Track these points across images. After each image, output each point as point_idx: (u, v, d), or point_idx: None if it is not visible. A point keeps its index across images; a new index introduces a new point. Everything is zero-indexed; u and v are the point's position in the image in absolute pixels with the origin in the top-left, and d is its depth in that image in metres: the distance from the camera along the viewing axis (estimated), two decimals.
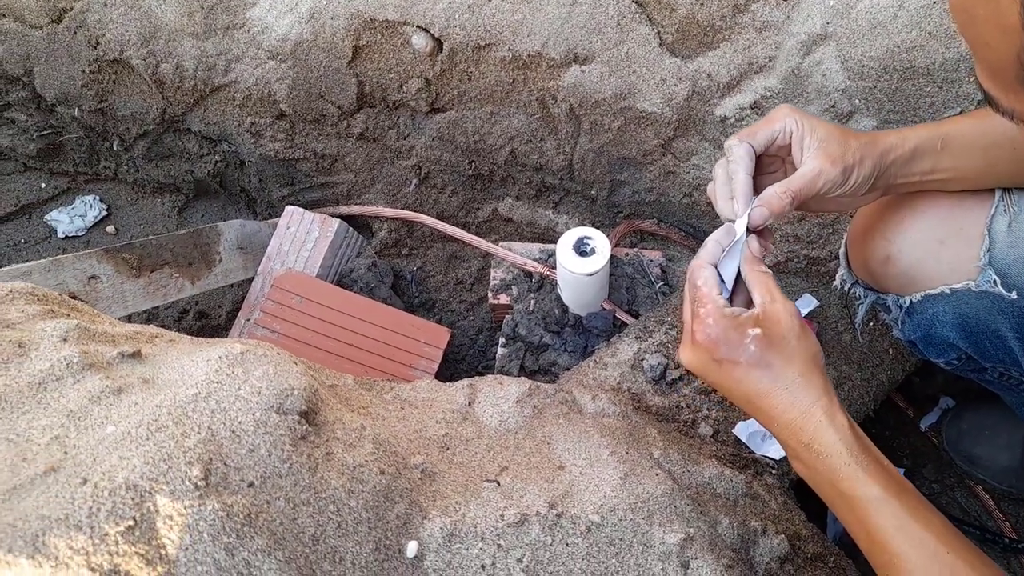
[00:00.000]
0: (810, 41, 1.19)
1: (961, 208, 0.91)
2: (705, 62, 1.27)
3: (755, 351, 0.76)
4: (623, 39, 1.28)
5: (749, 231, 0.83)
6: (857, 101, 1.20)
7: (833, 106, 1.21)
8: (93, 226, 1.86)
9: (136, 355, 0.81)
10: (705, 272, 0.82)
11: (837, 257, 1.19)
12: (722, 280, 0.83)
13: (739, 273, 0.83)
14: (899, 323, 1.03)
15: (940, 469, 1.50)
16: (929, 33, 1.10)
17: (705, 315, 0.79)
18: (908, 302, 0.98)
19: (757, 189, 0.83)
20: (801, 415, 0.75)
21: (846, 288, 1.10)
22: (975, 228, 0.90)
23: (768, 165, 0.89)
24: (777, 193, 0.81)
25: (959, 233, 0.91)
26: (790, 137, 0.83)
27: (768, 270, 0.81)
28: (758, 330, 0.76)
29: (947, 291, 0.93)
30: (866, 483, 0.72)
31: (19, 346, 0.76)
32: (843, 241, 1.08)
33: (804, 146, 0.83)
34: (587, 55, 1.31)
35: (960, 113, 1.16)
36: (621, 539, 0.85)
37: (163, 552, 0.63)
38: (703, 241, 0.85)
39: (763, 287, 0.80)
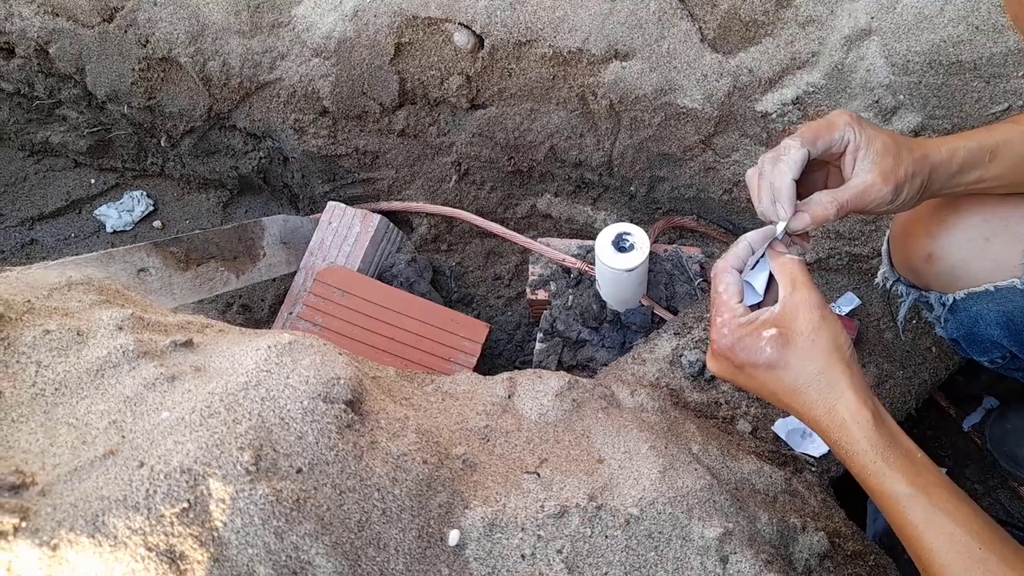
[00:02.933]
0: (854, 36, 1.18)
1: (1006, 206, 0.90)
2: (747, 57, 1.27)
3: (771, 352, 0.76)
4: (664, 35, 1.28)
5: (787, 235, 0.82)
6: (901, 97, 1.19)
7: (877, 102, 1.20)
8: (140, 221, 1.90)
9: (188, 344, 0.83)
10: (728, 278, 0.82)
11: (879, 254, 1.18)
12: (750, 285, 0.83)
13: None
14: (942, 321, 1.02)
15: (983, 470, 1.48)
16: (976, 27, 1.09)
17: (721, 324, 0.80)
18: (951, 300, 0.97)
19: (799, 189, 0.82)
20: (826, 413, 0.74)
21: (888, 285, 1.09)
22: (1020, 226, 0.89)
23: (813, 168, 0.86)
24: (824, 202, 0.80)
25: (1004, 230, 0.90)
26: (845, 146, 0.81)
27: (795, 256, 0.80)
28: (773, 331, 0.76)
29: (991, 289, 0.92)
30: (893, 479, 0.71)
31: (78, 334, 0.79)
32: (885, 238, 1.07)
33: (858, 157, 0.81)
34: (628, 51, 1.31)
35: (1007, 110, 1.14)
36: (660, 532, 0.85)
37: (216, 534, 0.65)
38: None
39: (787, 276, 0.79)
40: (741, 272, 0.83)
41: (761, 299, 0.83)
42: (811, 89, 1.25)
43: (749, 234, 0.83)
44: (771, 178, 0.81)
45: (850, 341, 0.77)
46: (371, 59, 1.45)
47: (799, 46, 1.23)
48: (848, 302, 1.34)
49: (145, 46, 1.54)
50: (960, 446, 1.51)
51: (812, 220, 0.80)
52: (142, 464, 0.66)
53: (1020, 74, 1.11)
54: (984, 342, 0.98)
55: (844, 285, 1.36)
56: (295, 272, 1.64)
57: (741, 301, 0.81)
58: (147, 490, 0.64)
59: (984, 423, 1.48)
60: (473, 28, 1.36)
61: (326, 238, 1.63)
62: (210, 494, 0.66)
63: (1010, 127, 0.85)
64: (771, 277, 0.83)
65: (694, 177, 1.48)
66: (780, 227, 0.81)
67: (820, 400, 0.74)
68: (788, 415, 1.19)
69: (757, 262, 0.83)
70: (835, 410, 0.74)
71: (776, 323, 0.76)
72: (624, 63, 1.33)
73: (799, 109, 1.27)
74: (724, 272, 0.82)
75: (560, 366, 1.44)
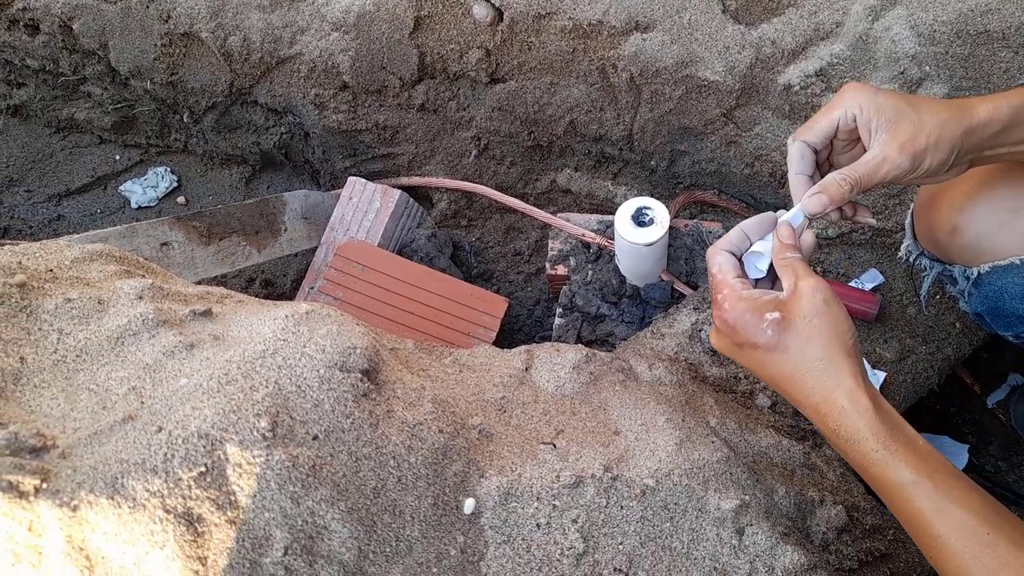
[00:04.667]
0: (879, 5, 1.16)
1: None
2: (769, 29, 1.25)
3: (772, 335, 0.74)
4: (685, 6, 1.26)
5: (811, 220, 0.80)
6: (928, 67, 1.16)
7: (902, 72, 1.18)
8: (165, 197, 1.92)
9: (207, 313, 0.84)
10: (719, 258, 0.81)
11: (903, 228, 1.17)
12: (752, 263, 0.82)
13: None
14: (966, 295, 1.00)
15: (1007, 447, 1.46)
16: None
17: (722, 300, 0.79)
18: (975, 273, 0.96)
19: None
20: (824, 400, 0.73)
21: (911, 259, 1.07)
22: None
23: (843, 148, 0.84)
24: (836, 180, 0.77)
25: None
26: (853, 121, 0.78)
27: (797, 255, 0.78)
28: (776, 314, 0.75)
29: (1017, 262, 0.90)
30: (896, 468, 0.70)
31: (99, 303, 0.80)
32: (909, 211, 1.06)
33: (872, 128, 0.77)
34: (648, 23, 1.29)
35: None
36: (676, 504, 0.85)
37: (233, 498, 0.66)
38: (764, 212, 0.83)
39: (790, 271, 0.77)
40: (737, 256, 0.83)
41: (763, 275, 0.82)
42: (835, 60, 1.23)
43: (745, 221, 0.83)
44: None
45: (854, 330, 0.75)
46: (390, 33, 1.44)
47: (823, 16, 1.21)
48: (872, 279, 1.32)
49: (167, 21, 1.55)
50: (984, 423, 1.49)
51: (829, 199, 0.78)
52: (160, 429, 0.67)
53: None
54: (1009, 316, 0.97)
55: (867, 260, 1.34)
56: (316, 247, 1.65)
57: (739, 276, 0.80)
58: (165, 454, 0.65)
59: (1009, 400, 1.46)
60: (492, 0, 1.35)
61: (347, 213, 1.64)
62: (227, 459, 0.67)
63: None
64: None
65: (715, 151, 1.46)
66: (790, 213, 0.80)
67: (818, 386, 0.73)
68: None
69: (760, 245, 0.82)
70: (833, 397, 0.72)
71: (779, 307, 0.75)
72: (645, 35, 1.31)
73: (823, 81, 1.25)
74: (715, 254, 0.82)
75: (579, 341, 1.44)
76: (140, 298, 0.82)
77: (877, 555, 0.97)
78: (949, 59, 1.14)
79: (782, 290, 0.78)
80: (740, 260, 0.83)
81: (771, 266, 0.81)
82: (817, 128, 0.80)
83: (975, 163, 0.81)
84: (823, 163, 0.84)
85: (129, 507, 0.61)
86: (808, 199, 0.78)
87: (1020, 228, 0.90)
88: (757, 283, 0.83)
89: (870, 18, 1.17)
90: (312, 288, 1.55)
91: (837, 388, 0.72)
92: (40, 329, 0.76)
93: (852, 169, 0.77)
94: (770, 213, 0.82)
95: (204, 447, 0.66)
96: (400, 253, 1.64)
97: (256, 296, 1.68)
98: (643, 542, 0.83)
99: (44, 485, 0.59)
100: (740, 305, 0.77)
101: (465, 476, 0.82)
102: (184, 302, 0.87)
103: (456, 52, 1.46)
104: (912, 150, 0.75)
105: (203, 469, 0.65)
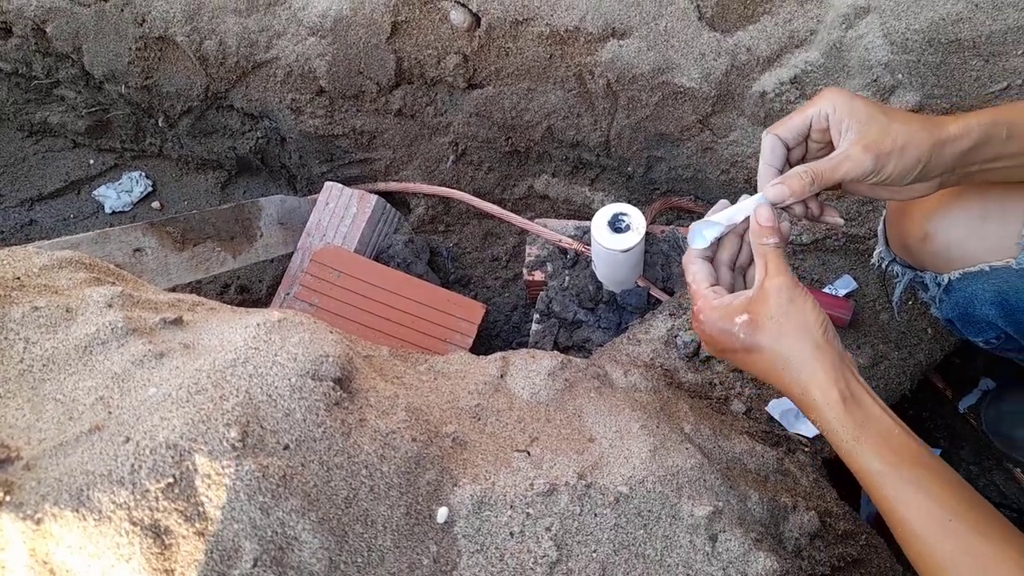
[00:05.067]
0: (853, 14, 1.17)
1: (1002, 185, 0.89)
2: (745, 36, 1.26)
3: (744, 337, 0.77)
4: (662, 12, 1.27)
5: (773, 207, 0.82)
6: (900, 75, 1.18)
7: (875, 80, 1.19)
8: (139, 202, 1.90)
9: (178, 321, 0.84)
10: (692, 267, 0.84)
11: (875, 235, 1.17)
12: (701, 235, 0.85)
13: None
14: (937, 301, 1.01)
15: (978, 451, 1.48)
16: (976, 5, 1.07)
17: (698, 311, 0.82)
18: (947, 280, 0.97)
19: None
20: (801, 394, 0.76)
21: (884, 265, 1.08)
22: (1017, 205, 0.88)
23: (818, 151, 0.86)
24: (798, 172, 0.80)
25: (1000, 210, 0.89)
26: (826, 120, 0.80)
27: (774, 241, 0.80)
28: (745, 316, 0.77)
29: (987, 268, 0.91)
30: (866, 457, 0.73)
31: (67, 311, 0.79)
32: (881, 218, 1.07)
33: (843, 129, 0.80)
34: (625, 29, 1.30)
35: (1006, 89, 1.13)
36: (649, 511, 0.85)
37: (201, 509, 0.65)
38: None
39: (762, 261, 0.80)
40: (710, 259, 0.86)
41: (706, 244, 0.84)
42: (809, 68, 1.24)
43: (708, 213, 0.87)
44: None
45: (824, 320, 0.77)
46: (367, 38, 1.44)
47: (797, 24, 1.22)
48: (845, 285, 1.33)
49: (142, 25, 1.53)
50: (956, 428, 1.51)
51: (790, 191, 0.80)
52: (128, 439, 0.66)
53: (1019, 52, 1.10)
54: (979, 322, 0.98)
55: (841, 266, 1.35)
56: (292, 253, 1.64)
57: (712, 285, 0.82)
58: (132, 465, 0.64)
59: (980, 405, 1.47)
60: (469, 6, 1.35)
61: (323, 219, 1.63)
62: (196, 469, 0.66)
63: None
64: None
65: (691, 157, 1.47)
66: (752, 200, 0.83)
67: (794, 382, 0.76)
68: (782, 395, 1.19)
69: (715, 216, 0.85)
70: (808, 391, 0.75)
71: (748, 308, 0.78)
72: (621, 41, 1.32)
73: (797, 88, 1.26)
74: (689, 263, 0.85)
75: (556, 347, 1.44)
76: (109, 306, 0.81)
77: (849, 560, 0.98)
78: (921, 67, 1.15)
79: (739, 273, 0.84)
80: (712, 260, 0.86)
81: (719, 239, 0.85)
82: (791, 124, 0.83)
83: (945, 184, 0.82)
84: (797, 163, 0.86)
85: (95, 519, 0.60)
86: (770, 187, 0.81)
87: (990, 235, 0.91)
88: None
89: (844, 26, 1.18)
90: (288, 294, 1.54)
91: (810, 382, 0.75)
92: (6, 338, 0.75)
93: (815, 163, 0.80)
94: (723, 200, 0.86)
95: (172, 458, 0.66)
96: (377, 259, 1.63)
97: (231, 302, 1.67)
98: (617, 550, 0.83)
99: (7, 498, 0.58)
100: (713, 315, 0.80)
101: (438, 485, 0.82)
102: (155, 310, 0.86)
103: (433, 57, 1.45)
104: (876, 151, 0.77)
105: (171, 480, 0.65)
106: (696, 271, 0.84)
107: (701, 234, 0.84)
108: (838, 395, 0.74)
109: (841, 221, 0.87)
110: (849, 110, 0.79)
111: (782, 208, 0.82)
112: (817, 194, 0.82)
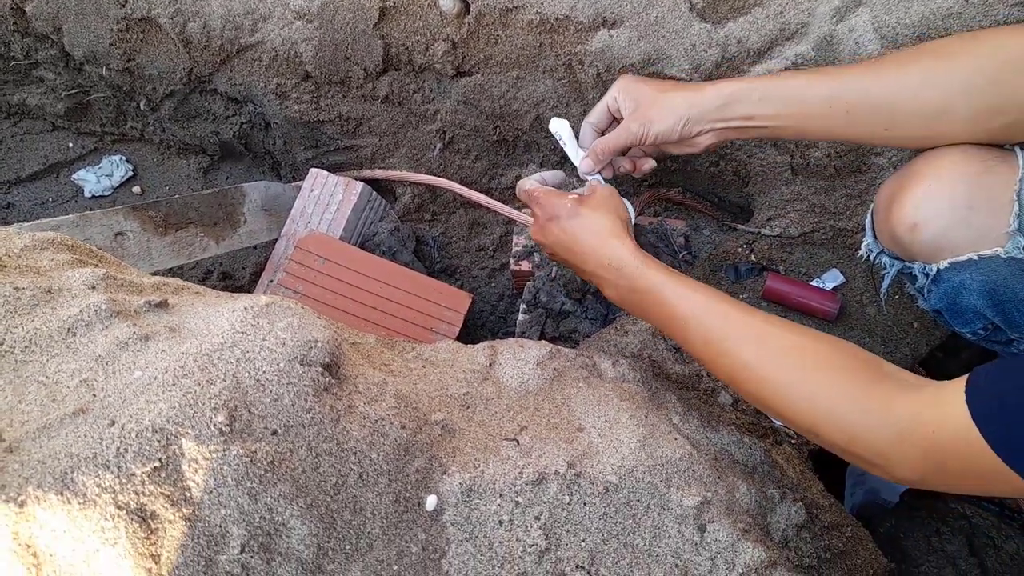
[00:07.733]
0: (844, 7, 1.17)
1: (990, 174, 0.90)
2: (736, 28, 1.26)
3: (571, 206, 1.02)
4: (652, 3, 1.26)
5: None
6: None
7: None
8: (120, 186, 1.87)
9: (163, 304, 0.82)
10: (528, 183, 1.12)
11: (863, 228, 1.18)
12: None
13: None
14: (925, 292, 1.02)
15: None
16: (966, 0, 1.08)
17: (538, 196, 1.07)
18: (935, 270, 0.97)
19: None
20: (601, 243, 0.98)
21: (871, 258, 1.09)
22: (1004, 194, 0.89)
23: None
24: (593, 148, 1.09)
25: (988, 199, 0.90)
26: (616, 102, 1.07)
27: (598, 176, 1.12)
28: (575, 195, 1.05)
29: (975, 258, 0.92)
30: (652, 273, 0.93)
31: (48, 292, 0.77)
32: (869, 210, 1.07)
33: (626, 110, 1.06)
34: (616, 19, 1.29)
35: None
36: (638, 500, 0.85)
37: (188, 494, 0.64)
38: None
39: (590, 186, 1.08)
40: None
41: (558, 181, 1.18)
42: (800, 60, 1.24)
43: (543, 173, 1.15)
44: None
45: (630, 220, 1.04)
46: (355, 23, 1.42)
47: (788, 16, 1.22)
48: (833, 278, 1.34)
49: (124, 6, 1.51)
50: None
51: (594, 161, 1.10)
52: (113, 422, 0.64)
53: None
54: (967, 312, 0.98)
55: (828, 260, 1.35)
56: (276, 240, 1.62)
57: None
58: (118, 448, 0.62)
59: None
60: None
61: (308, 205, 1.61)
62: (182, 454, 0.65)
63: (790, 75, 1.01)
64: None
65: None
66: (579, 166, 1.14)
67: (597, 233, 0.98)
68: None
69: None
70: (607, 240, 0.97)
71: (580, 198, 1.04)
72: (612, 31, 1.31)
73: None
74: (524, 184, 1.13)
75: (543, 337, 1.43)
76: (93, 288, 0.80)
77: (835, 552, 0.98)
78: None
79: None
80: None
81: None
82: (596, 112, 1.12)
83: (722, 136, 1.03)
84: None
85: (79, 503, 0.59)
86: (581, 163, 1.13)
87: (978, 224, 0.91)
88: None
89: (835, 19, 1.18)
90: (271, 281, 1.52)
91: (611, 234, 0.98)
92: None
93: (602, 139, 1.08)
94: (557, 171, 1.18)
95: (158, 441, 0.64)
96: (362, 247, 1.62)
97: (213, 289, 1.65)
98: (605, 539, 0.82)
99: None
100: (551, 195, 1.06)
101: (427, 472, 0.81)
102: (139, 293, 0.84)
103: (422, 44, 1.44)
104: (640, 119, 1.02)
105: (157, 464, 0.63)
106: (532, 182, 1.12)
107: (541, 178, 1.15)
108: (632, 242, 0.97)
109: (654, 164, 1.15)
110: (629, 93, 1.05)
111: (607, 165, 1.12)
112: (624, 153, 1.11)
